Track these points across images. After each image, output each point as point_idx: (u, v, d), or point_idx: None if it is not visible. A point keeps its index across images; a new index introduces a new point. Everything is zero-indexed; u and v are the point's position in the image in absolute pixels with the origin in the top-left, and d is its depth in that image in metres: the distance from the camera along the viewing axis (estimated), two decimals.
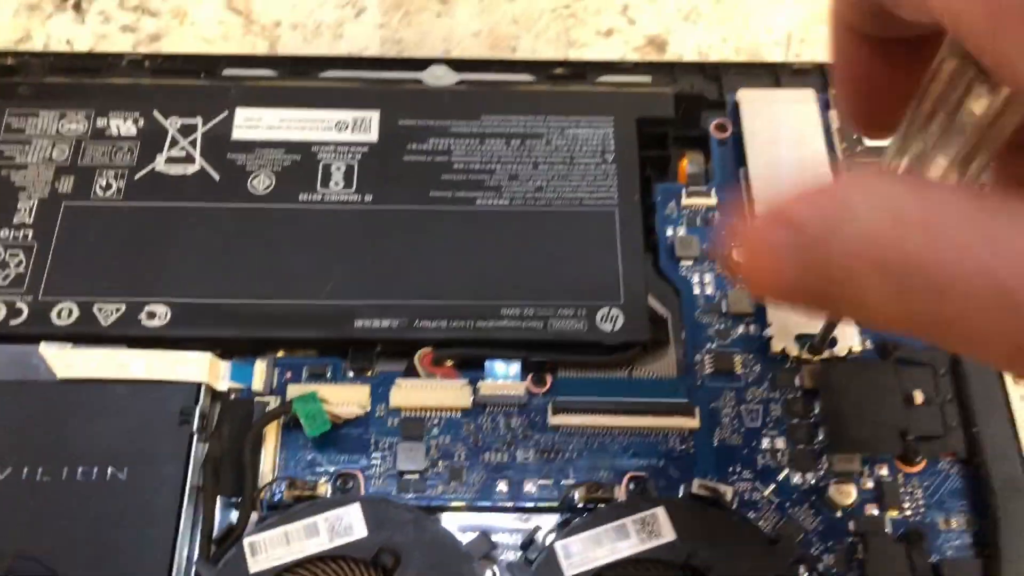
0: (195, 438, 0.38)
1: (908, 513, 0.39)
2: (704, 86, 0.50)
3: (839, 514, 0.39)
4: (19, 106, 0.47)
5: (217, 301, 0.42)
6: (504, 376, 0.41)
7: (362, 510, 0.37)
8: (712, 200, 0.46)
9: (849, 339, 0.42)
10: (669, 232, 0.45)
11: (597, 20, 0.58)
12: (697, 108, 0.49)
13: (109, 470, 0.37)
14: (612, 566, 0.36)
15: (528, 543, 0.38)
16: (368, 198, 0.45)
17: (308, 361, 0.42)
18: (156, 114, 0.47)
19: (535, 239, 0.44)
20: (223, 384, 0.40)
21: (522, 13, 0.58)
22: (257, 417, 0.40)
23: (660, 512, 0.37)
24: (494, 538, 0.38)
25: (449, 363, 0.42)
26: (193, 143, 0.46)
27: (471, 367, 0.41)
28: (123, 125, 0.47)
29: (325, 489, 0.39)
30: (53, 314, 0.41)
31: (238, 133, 0.46)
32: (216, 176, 0.45)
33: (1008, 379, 0.41)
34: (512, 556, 0.38)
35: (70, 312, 0.41)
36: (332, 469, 0.39)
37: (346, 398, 0.40)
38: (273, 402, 0.40)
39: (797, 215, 0.18)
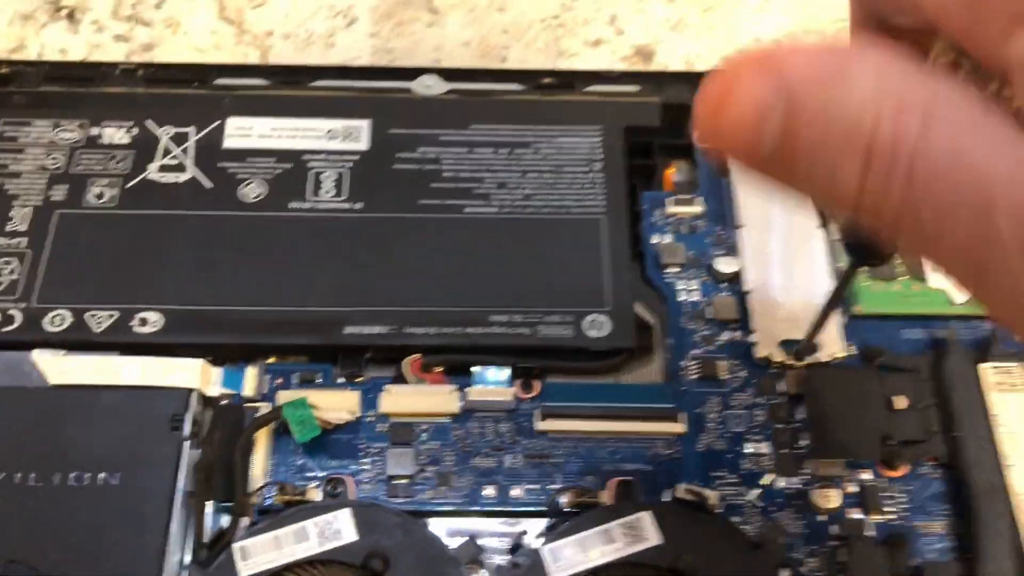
0: (186, 444, 0.39)
1: (890, 517, 0.40)
2: (690, 96, 0.51)
3: (822, 518, 0.39)
4: (13, 115, 0.48)
5: (209, 308, 0.42)
6: (492, 382, 0.42)
7: (352, 515, 0.37)
8: (698, 209, 0.47)
9: (833, 345, 0.42)
10: (655, 240, 0.46)
11: (586, 30, 0.59)
12: (683, 117, 0.50)
13: (101, 476, 0.38)
14: (598, 570, 0.37)
15: (515, 547, 0.38)
16: (358, 206, 0.45)
17: (298, 367, 0.42)
18: (149, 123, 0.47)
19: (523, 246, 0.44)
20: (214, 390, 0.41)
21: (512, 23, 0.59)
22: (248, 423, 0.40)
23: (646, 516, 0.38)
24: (482, 542, 0.38)
25: (438, 369, 0.42)
26: (185, 152, 0.47)
27: (460, 373, 0.42)
28: (116, 134, 0.47)
29: (315, 494, 0.39)
30: (46, 321, 0.42)
31: (230, 142, 0.47)
32: (208, 184, 0.46)
33: (989, 384, 0.41)
34: (500, 560, 0.38)
35: (63, 319, 0.42)
36: (322, 474, 0.40)
37: (336, 404, 0.41)
38: (264, 408, 0.41)
39: (789, 69, 0.16)
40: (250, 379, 0.42)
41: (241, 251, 0.44)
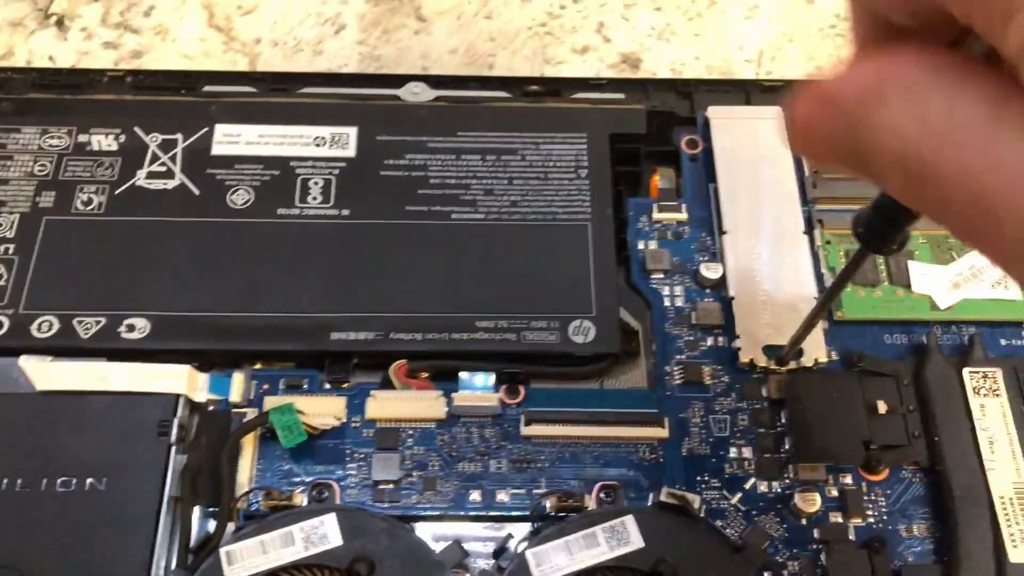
0: (173, 449, 0.39)
1: (871, 520, 0.40)
2: (676, 103, 0.51)
3: (804, 522, 0.40)
4: (1, 122, 0.48)
5: (196, 314, 0.42)
6: (478, 388, 0.42)
7: (337, 519, 0.38)
8: (683, 215, 0.47)
9: (815, 350, 0.43)
10: (640, 246, 0.46)
11: (573, 38, 0.59)
12: (669, 125, 0.50)
13: (88, 481, 0.38)
14: (582, 573, 0.37)
15: (500, 551, 0.39)
16: (345, 212, 0.45)
17: (285, 373, 0.43)
18: (137, 130, 0.48)
19: (509, 253, 0.45)
20: (201, 396, 0.41)
21: (499, 31, 0.59)
22: (235, 428, 0.40)
23: (629, 520, 0.38)
24: (467, 547, 0.38)
25: (424, 375, 0.42)
26: (173, 158, 0.47)
27: (446, 379, 0.42)
28: (104, 141, 0.47)
29: (301, 499, 0.39)
30: (33, 327, 0.42)
31: (218, 148, 0.47)
32: (196, 191, 0.46)
33: (969, 389, 0.42)
34: (484, 564, 0.39)
35: (50, 325, 0.42)
36: (308, 479, 0.40)
37: (322, 409, 0.41)
38: (250, 414, 0.41)
39: (835, 93, 0.19)
40: (237, 385, 0.42)
41: (228, 257, 0.44)
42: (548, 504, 0.39)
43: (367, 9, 0.60)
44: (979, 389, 0.42)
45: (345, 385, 0.43)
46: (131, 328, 0.42)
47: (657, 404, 0.42)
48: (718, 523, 0.39)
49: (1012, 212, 0.17)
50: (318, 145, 0.47)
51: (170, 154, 0.47)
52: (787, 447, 0.41)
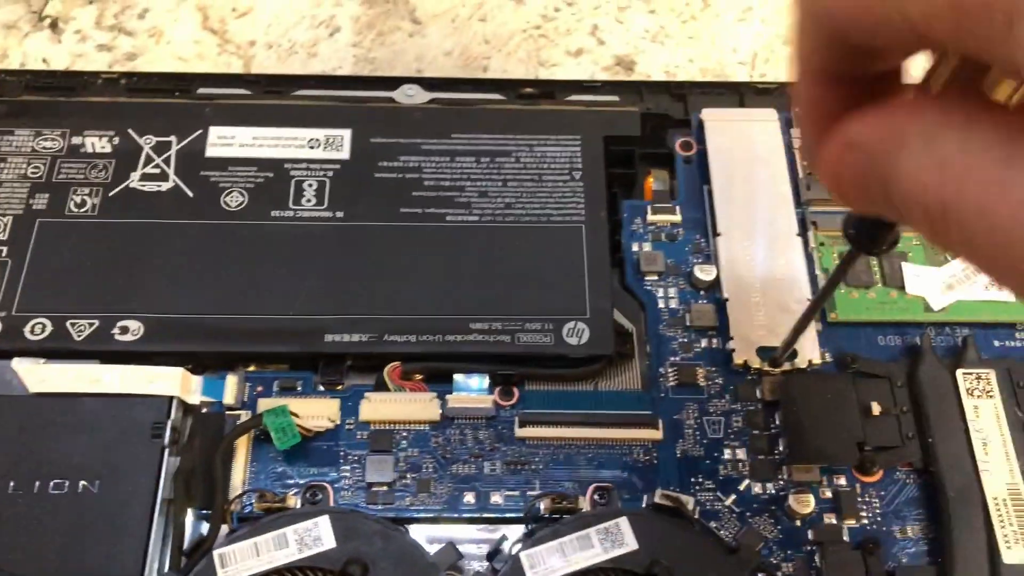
0: (166, 451, 0.39)
1: (865, 522, 0.40)
2: (670, 105, 0.51)
3: (798, 523, 0.40)
4: None
5: (189, 316, 0.42)
6: (472, 389, 0.42)
7: (331, 522, 0.38)
8: (677, 217, 0.47)
9: (809, 352, 0.43)
10: (635, 248, 0.46)
11: (567, 40, 0.59)
12: (663, 127, 0.50)
13: (81, 483, 0.38)
14: (576, 575, 0.37)
15: (494, 553, 0.39)
16: (339, 214, 0.45)
17: (279, 375, 0.43)
18: (131, 132, 0.48)
19: (504, 255, 0.45)
20: (195, 398, 0.41)
21: (493, 34, 0.59)
22: (228, 431, 0.40)
23: (623, 522, 0.38)
24: (461, 548, 0.38)
25: (418, 377, 0.42)
26: (167, 160, 0.47)
27: (440, 381, 0.42)
28: (98, 143, 0.47)
29: (295, 501, 0.39)
30: (26, 330, 0.42)
31: (212, 151, 0.47)
32: (190, 193, 0.46)
33: (962, 390, 0.42)
34: (479, 566, 0.39)
35: (43, 327, 0.42)
36: (302, 481, 0.40)
37: (316, 411, 0.41)
38: (244, 416, 0.41)
39: (857, 138, 0.20)
40: (230, 387, 0.42)
41: (222, 260, 0.44)
42: (542, 506, 0.39)
43: (361, 12, 0.60)
44: (973, 390, 0.42)
45: (339, 387, 0.43)
46: (124, 330, 0.42)
47: (651, 406, 0.42)
48: (712, 524, 0.39)
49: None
50: (312, 147, 0.47)
51: (164, 156, 0.47)
52: (781, 449, 0.41)
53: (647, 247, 0.47)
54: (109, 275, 0.43)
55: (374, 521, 0.38)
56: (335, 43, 0.59)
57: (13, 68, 0.56)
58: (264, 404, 0.41)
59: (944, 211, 0.18)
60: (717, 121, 0.49)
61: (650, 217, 0.47)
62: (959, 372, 0.42)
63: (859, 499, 0.40)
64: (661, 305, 0.45)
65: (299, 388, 0.42)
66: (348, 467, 0.40)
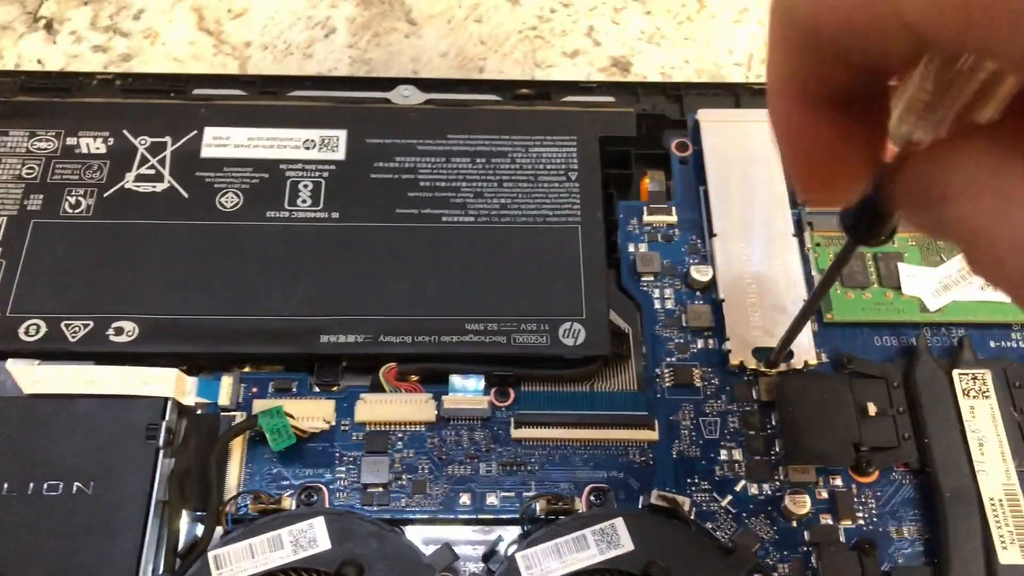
0: (161, 453, 0.39)
1: (861, 522, 0.40)
2: (666, 106, 0.51)
3: (794, 524, 0.40)
4: None
5: (184, 317, 0.42)
6: (468, 390, 0.42)
7: (326, 523, 0.37)
8: (673, 217, 0.47)
9: (805, 352, 0.43)
10: (631, 248, 0.46)
11: (563, 41, 0.59)
12: (659, 128, 0.50)
13: (75, 485, 0.38)
14: None
15: (490, 554, 0.38)
16: (335, 215, 0.45)
17: (274, 376, 0.43)
18: (126, 133, 0.47)
19: (500, 255, 0.45)
20: (189, 399, 0.41)
21: (489, 35, 0.59)
22: (223, 432, 0.40)
23: (619, 523, 0.38)
24: (457, 550, 0.38)
25: (414, 378, 0.42)
26: (162, 161, 0.47)
27: (435, 382, 0.42)
28: (93, 143, 0.47)
29: (290, 503, 0.39)
30: (21, 331, 0.42)
31: (207, 151, 0.47)
32: (185, 194, 0.46)
33: (958, 390, 0.42)
34: (474, 567, 0.39)
35: (38, 328, 0.42)
36: (297, 483, 0.40)
37: (311, 413, 0.41)
38: (239, 417, 0.41)
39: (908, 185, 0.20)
40: (225, 388, 0.42)
41: (217, 260, 0.44)
42: (538, 507, 0.39)
43: (357, 13, 0.60)
44: (969, 391, 0.42)
45: (334, 388, 0.42)
46: (119, 331, 0.42)
47: (647, 406, 0.42)
48: (708, 525, 0.39)
49: None
50: (307, 148, 0.47)
51: (159, 157, 0.47)
52: (777, 449, 0.41)
53: (643, 248, 0.47)
54: (104, 276, 0.43)
55: (369, 522, 0.38)
56: (331, 44, 0.59)
57: (8, 69, 0.56)
58: (259, 405, 0.41)
59: (973, 241, 0.18)
60: (713, 122, 0.49)
61: (646, 218, 0.47)
62: (955, 372, 0.42)
63: (855, 500, 0.40)
64: (657, 306, 0.45)
65: (294, 389, 0.42)
66: (343, 468, 0.40)
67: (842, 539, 0.39)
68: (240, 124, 0.48)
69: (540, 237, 0.45)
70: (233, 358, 0.43)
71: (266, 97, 0.50)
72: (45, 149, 0.47)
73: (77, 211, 0.45)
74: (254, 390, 0.42)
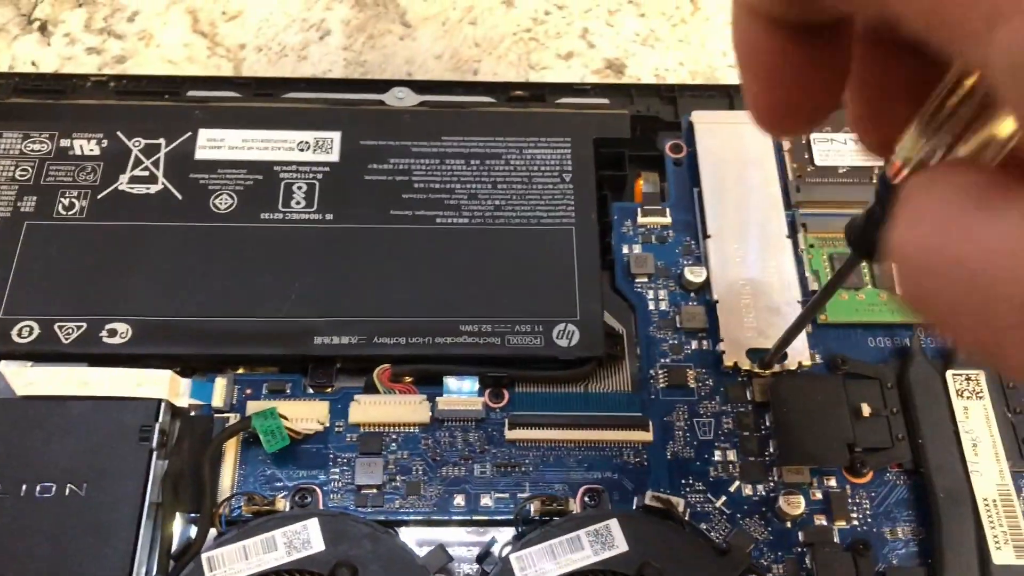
0: (154, 454, 0.39)
1: (856, 523, 0.40)
2: (660, 108, 0.51)
3: (789, 524, 0.40)
4: None
5: (178, 319, 0.42)
6: (462, 392, 0.42)
7: (320, 524, 0.37)
8: (667, 219, 0.47)
9: (799, 353, 0.43)
10: (625, 250, 0.46)
11: (557, 44, 0.59)
12: (653, 129, 0.50)
13: (68, 487, 0.38)
14: None
15: (484, 555, 0.38)
16: (329, 217, 0.45)
17: (268, 378, 0.43)
18: (120, 134, 0.47)
19: (494, 257, 0.45)
20: (183, 401, 0.41)
21: (484, 37, 0.59)
22: (217, 433, 0.40)
23: (613, 524, 0.38)
24: (451, 551, 0.38)
25: (408, 379, 0.42)
26: (156, 163, 0.47)
27: (430, 383, 0.42)
28: (87, 145, 0.47)
29: (283, 504, 0.39)
30: (14, 332, 0.42)
31: (201, 153, 0.47)
32: (179, 195, 0.46)
33: (952, 391, 0.42)
34: (469, 569, 0.39)
35: (31, 330, 0.42)
36: (291, 484, 0.40)
37: (305, 414, 0.41)
38: (233, 418, 0.41)
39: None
40: (219, 390, 0.42)
41: (211, 262, 0.44)
42: (532, 508, 0.39)
43: (352, 15, 0.60)
44: (962, 391, 0.42)
45: (328, 390, 0.42)
46: (112, 333, 0.42)
47: (641, 407, 0.42)
48: (703, 526, 0.39)
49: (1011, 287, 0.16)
50: (302, 150, 0.47)
51: (153, 159, 0.47)
52: (771, 450, 0.41)
53: (637, 249, 0.47)
54: (97, 278, 0.43)
55: (363, 524, 0.38)
56: (325, 46, 0.59)
57: (2, 71, 0.56)
58: (253, 407, 0.41)
59: (910, 265, 0.18)
60: (707, 124, 0.49)
61: (640, 219, 0.47)
62: (949, 373, 0.42)
63: (849, 500, 0.40)
64: (651, 307, 0.45)
65: (288, 391, 0.42)
66: (337, 470, 0.40)
67: (836, 540, 0.39)
68: (234, 126, 0.48)
69: (534, 238, 0.45)
70: (227, 360, 0.43)
71: (260, 99, 0.50)
72: (39, 151, 0.47)
73: (71, 213, 0.45)
74: (248, 391, 0.42)
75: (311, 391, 0.42)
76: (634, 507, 0.40)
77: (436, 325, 0.43)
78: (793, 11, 0.20)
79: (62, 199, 0.45)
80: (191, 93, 0.50)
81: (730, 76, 0.58)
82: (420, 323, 0.43)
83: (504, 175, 0.47)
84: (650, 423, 0.41)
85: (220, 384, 0.42)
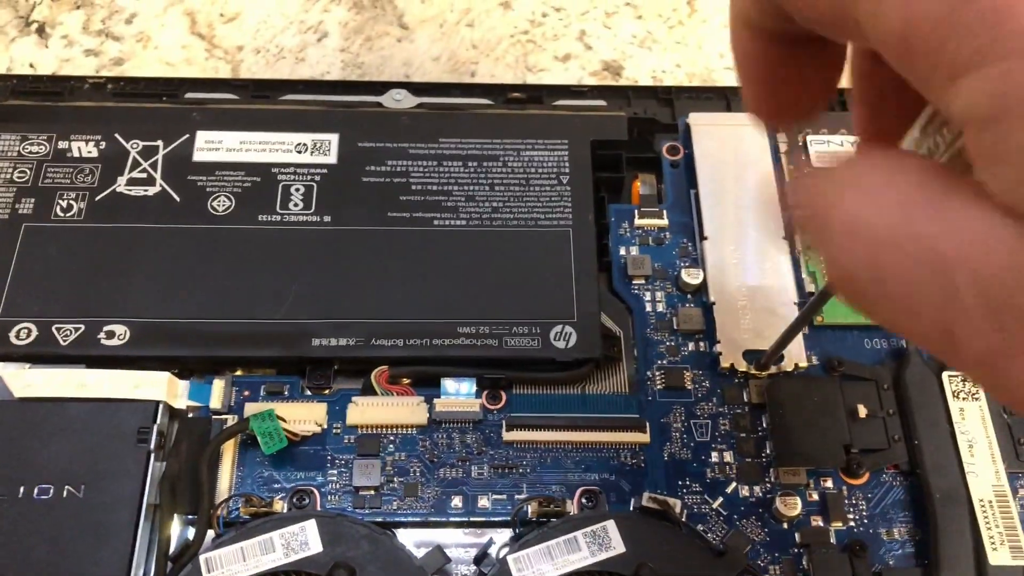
0: (152, 456, 0.39)
1: (852, 524, 0.40)
2: (657, 110, 0.51)
3: (785, 526, 0.40)
4: None
5: (176, 321, 0.42)
6: (460, 393, 0.42)
7: (318, 526, 0.38)
8: (664, 221, 0.47)
9: (795, 355, 0.43)
10: (622, 252, 0.47)
11: (555, 46, 0.59)
12: (650, 131, 0.51)
13: (66, 488, 0.38)
14: None
15: (482, 557, 0.38)
16: (327, 219, 0.45)
17: (266, 379, 0.43)
18: (118, 136, 0.47)
19: (491, 259, 0.45)
20: (181, 403, 0.41)
21: (481, 39, 0.59)
22: (215, 435, 0.40)
23: (611, 525, 0.38)
24: (448, 552, 0.38)
25: (405, 381, 0.42)
26: (154, 165, 0.47)
27: (427, 385, 0.42)
28: (85, 147, 0.47)
29: (281, 506, 0.39)
30: (12, 334, 0.42)
31: (199, 155, 0.47)
32: (177, 197, 0.46)
33: (948, 393, 0.42)
34: (466, 570, 0.39)
35: (29, 332, 0.42)
36: (289, 486, 0.40)
37: (303, 416, 0.41)
38: (230, 420, 0.41)
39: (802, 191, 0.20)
40: (217, 391, 0.42)
41: (209, 264, 0.44)
42: (530, 509, 0.39)
43: (349, 17, 0.60)
44: (958, 393, 0.42)
45: (326, 391, 0.42)
46: (110, 335, 0.42)
47: (638, 409, 0.42)
48: (699, 527, 0.39)
49: (970, 274, 0.16)
50: (299, 152, 0.47)
51: (151, 161, 0.47)
52: (768, 451, 0.41)
53: (634, 251, 0.47)
54: (95, 280, 0.43)
55: (361, 525, 0.38)
56: (323, 48, 0.59)
57: (0, 73, 0.56)
58: (251, 408, 0.41)
59: (852, 235, 0.18)
60: (704, 126, 0.49)
61: (637, 221, 0.47)
62: (945, 375, 0.42)
63: (846, 501, 0.40)
64: (648, 309, 0.45)
65: (286, 392, 0.42)
66: (335, 471, 0.40)
67: (833, 541, 0.40)
68: (232, 128, 0.48)
69: (531, 240, 0.45)
70: (224, 361, 0.43)
71: (258, 101, 0.50)
72: (37, 153, 0.47)
73: (68, 215, 0.45)
74: (246, 393, 0.42)
75: (309, 393, 0.42)
76: (631, 508, 0.40)
77: (434, 327, 0.43)
78: (779, 25, 0.21)
79: (60, 201, 0.45)
80: (189, 95, 0.50)
81: (727, 78, 0.58)
82: (418, 325, 0.43)
83: (501, 177, 0.47)
84: (647, 424, 0.42)
85: (218, 386, 0.42)
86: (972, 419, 0.41)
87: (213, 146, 0.47)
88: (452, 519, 0.40)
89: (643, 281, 0.46)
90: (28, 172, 0.46)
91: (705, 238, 0.46)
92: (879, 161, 0.18)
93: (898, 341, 0.44)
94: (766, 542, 0.40)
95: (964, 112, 0.16)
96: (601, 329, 0.43)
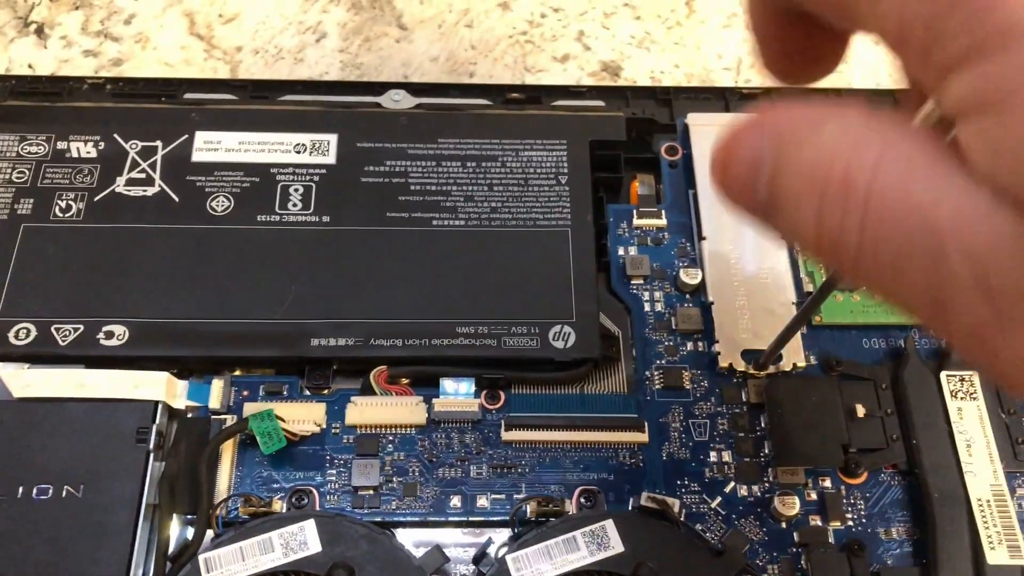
0: (151, 456, 0.39)
1: (850, 524, 0.40)
2: (656, 110, 0.51)
3: (784, 525, 0.40)
4: None
5: (175, 321, 0.42)
6: (458, 393, 0.42)
7: (317, 526, 0.38)
8: (662, 221, 0.47)
9: (794, 355, 0.43)
10: (621, 252, 0.47)
11: (553, 46, 0.59)
12: (648, 132, 0.51)
13: (65, 489, 0.38)
14: None
15: (480, 557, 0.38)
16: (326, 219, 0.45)
17: (265, 379, 0.43)
18: (116, 137, 0.47)
19: (490, 259, 0.45)
20: (180, 403, 0.41)
21: (480, 39, 0.59)
22: (213, 435, 0.40)
23: (609, 524, 0.38)
24: (447, 552, 0.38)
25: (404, 381, 0.42)
26: (153, 165, 0.47)
27: (426, 385, 0.42)
28: (83, 148, 0.47)
29: (280, 505, 0.39)
30: (11, 335, 0.42)
31: (198, 156, 0.47)
32: (175, 198, 0.46)
33: (946, 392, 0.42)
34: (465, 570, 0.39)
35: (28, 332, 0.42)
36: (288, 486, 0.40)
37: (302, 416, 0.41)
38: (229, 420, 0.41)
39: (777, 125, 0.19)
40: (216, 391, 0.42)
41: (208, 264, 0.44)
42: (528, 509, 0.39)
43: (348, 18, 0.60)
44: (957, 392, 0.42)
45: (325, 391, 0.43)
46: (109, 335, 0.42)
47: (637, 409, 0.42)
48: (698, 527, 0.40)
49: (961, 243, 0.16)
50: (298, 152, 0.47)
51: (150, 161, 0.47)
52: (766, 451, 0.41)
53: (633, 251, 0.47)
54: (94, 280, 0.43)
55: (360, 525, 0.38)
56: (322, 49, 0.59)
57: None
58: (250, 408, 0.41)
59: (846, 194, 0.17)
60: (702, 126, 0.50)
61: (636, 221, 0.47)
62: (943, 374, 0.42)
63: (844, 501, 0.40)
64: (647, 309, 0.45)
65: (285, 392, 0.42)
66: (334, 471, 0.40)
67: (831, 540, 0.40)
68: (231, 128, 0.48)
69: (530, 240, 0.46)
70: (223, 361, 0.43)
71: (257, 101, 0.50)
72: (36, 153, 0.47)
73: (67, 215, 0.45)
74: (245, 393, 0.42)
75: (308, 393, 0.42)
76: (630, 508, 0.40)
77: (432, 327, 0.43)
78: (788, 2, 0.22)
79: (59, 201, 0.45)
80: (188, 95, 0.50)
81: (725, 78, 0.58)
82: (416, 325, 0.43)
83: (500, 177, 0.47)
84: (646, 424, 0.42)
85: (217, 386, 0.42)
86: (970, 419, 0.42)
87: (212, 146, 0.47)
88: (451, 519, 0.40)
89: (642, 281, 0.46)
90: (27, 172, 0.46)
91: (703, 238, 0.46)
92: (883, 124, 0.18)
93: (896, 341, 0.44)
94: (764, 541, 0.40)
95: (954, 105, 0.17)
96: (600, 329, 0.44)
